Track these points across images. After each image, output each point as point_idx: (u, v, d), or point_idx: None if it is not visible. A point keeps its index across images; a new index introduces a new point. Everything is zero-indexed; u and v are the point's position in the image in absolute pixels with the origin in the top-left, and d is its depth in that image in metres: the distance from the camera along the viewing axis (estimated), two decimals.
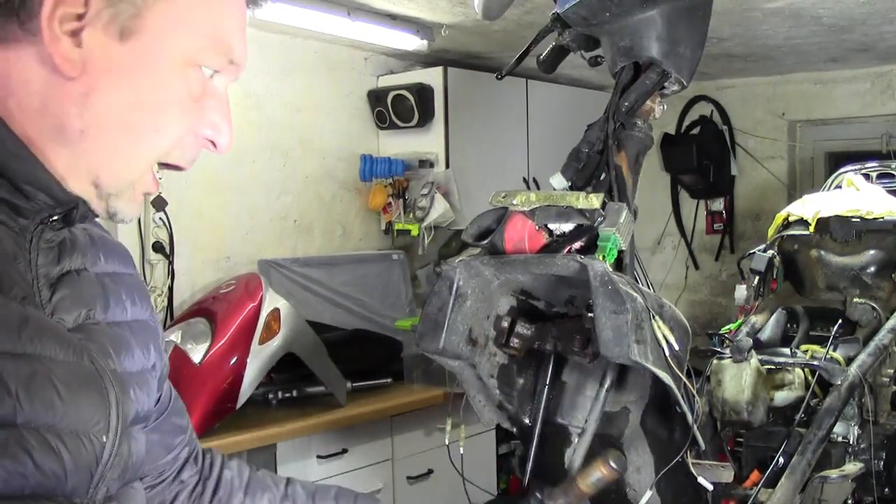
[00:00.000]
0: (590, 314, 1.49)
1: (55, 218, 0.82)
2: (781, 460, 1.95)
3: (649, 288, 1.69)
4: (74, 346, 0.77)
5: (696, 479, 1.65)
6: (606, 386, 1.69)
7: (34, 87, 0.78)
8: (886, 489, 2.17)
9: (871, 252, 2.50)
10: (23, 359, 0.71)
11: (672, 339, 1.48)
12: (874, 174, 2.98)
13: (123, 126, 0.80)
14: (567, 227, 1.55)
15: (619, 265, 1.64)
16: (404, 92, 3.89)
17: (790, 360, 2.19)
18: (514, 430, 1.85)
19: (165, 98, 0.82)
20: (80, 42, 0.77)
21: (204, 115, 0.85)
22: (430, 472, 3.39)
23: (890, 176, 2.97)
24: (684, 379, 1.51)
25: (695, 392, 1.55)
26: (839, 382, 2.08)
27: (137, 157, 0.83)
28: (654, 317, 1.46)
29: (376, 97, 4.01)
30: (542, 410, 1.75)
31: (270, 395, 3.15)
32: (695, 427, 1.56)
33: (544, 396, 1.76)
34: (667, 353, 1.47)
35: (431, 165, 3.98)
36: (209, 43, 0.83)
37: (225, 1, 0.85)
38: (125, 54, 0.79)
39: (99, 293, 0.88)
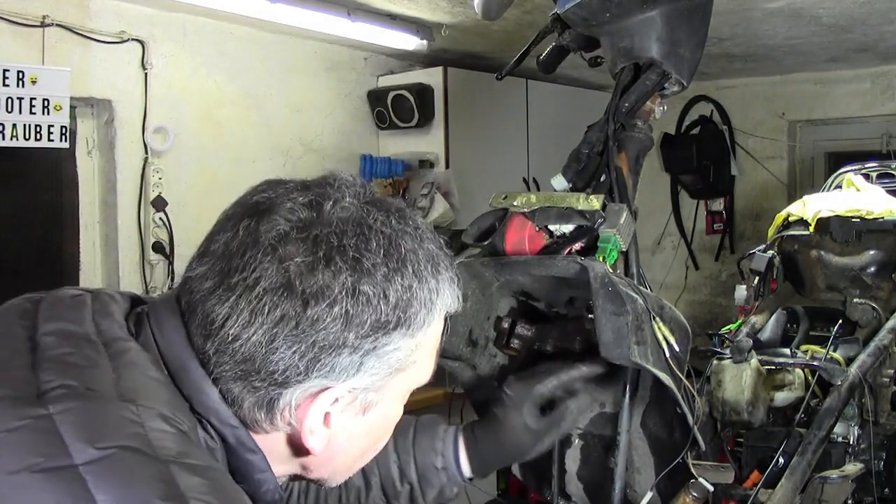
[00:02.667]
0: (590, 315, 1.49)
1: None
2: (781, 460, 1.94)
3: (647, 289, 1.69)
4: None
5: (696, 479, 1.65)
6: (629, 395, 1.68)
7: (278, 457, 0.85)
8: (886, 489, 2.17)
9: (871, 252, 2.49)
10: None
11: (672, 341, 1.48)
12: (874, 174, 2.97)
13: (354, 464, 0.92)
14: (567, 228, 1.55)
15: (625, 267, 1.64)
16: (404, 92, 3.89)
17: (790, 361, 2.19)
18: None
19: (390, 430, 0.93)
20: (328, 424, 0.82)
21: None
22: None
23: (890, 176, 2.96)
24: (684, 380, 1.51)
25: (695, 393, 1.55)
26: (839, 383, 2.08)
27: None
28: (654, 318, 1.46)
29: (376, 97, 4.01)
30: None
31: None
32: (695, 428, 1.56)
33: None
34: (667, 355, 1.47)
35: (431, 165, 3.98)
36: (428, 374, 0.93)
37: (439, 338, 0.92)
38: (365, 422, 0.86)
39: None
